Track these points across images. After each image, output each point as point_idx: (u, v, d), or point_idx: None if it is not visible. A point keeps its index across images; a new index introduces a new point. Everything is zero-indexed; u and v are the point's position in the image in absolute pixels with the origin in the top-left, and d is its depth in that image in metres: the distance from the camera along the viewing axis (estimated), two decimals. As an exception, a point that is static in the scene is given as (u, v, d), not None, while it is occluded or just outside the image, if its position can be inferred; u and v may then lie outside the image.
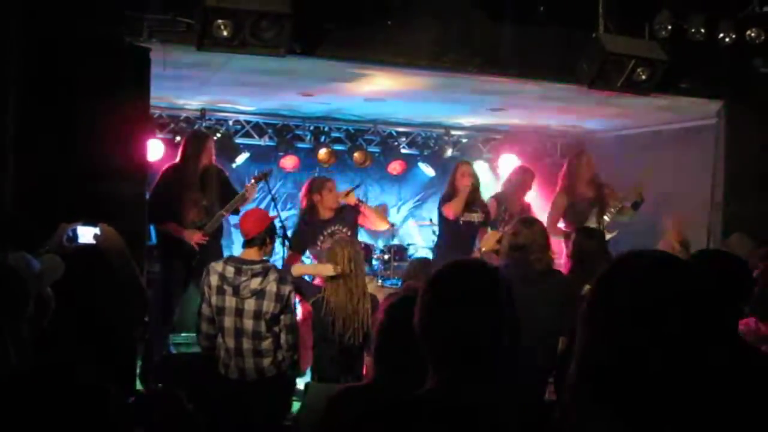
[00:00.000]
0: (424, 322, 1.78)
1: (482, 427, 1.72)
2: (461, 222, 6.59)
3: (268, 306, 4.35)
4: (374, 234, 8.89)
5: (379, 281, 7.83)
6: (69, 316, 2.82)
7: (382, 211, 8.48)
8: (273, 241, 4.64)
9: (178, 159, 6.28)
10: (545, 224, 6.25)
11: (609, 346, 1.15)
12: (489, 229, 6.59)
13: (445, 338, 1.76)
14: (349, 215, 6.22)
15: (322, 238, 6.03)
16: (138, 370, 5.32)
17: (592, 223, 6.54)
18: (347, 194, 6.24)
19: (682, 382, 1.11)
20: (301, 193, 6.33)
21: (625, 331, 1.14)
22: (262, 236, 4.51)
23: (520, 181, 7.17)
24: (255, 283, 4.34)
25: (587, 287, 1.29)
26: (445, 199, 6.69)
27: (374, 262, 8.25)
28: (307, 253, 6.29)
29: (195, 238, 5.96)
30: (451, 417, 1.70)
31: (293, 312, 4.49)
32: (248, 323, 4.36)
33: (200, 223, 6.07)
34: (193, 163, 6.21)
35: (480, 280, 1.80)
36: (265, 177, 6.36)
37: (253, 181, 6.39)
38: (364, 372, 4.61)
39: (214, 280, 4.39)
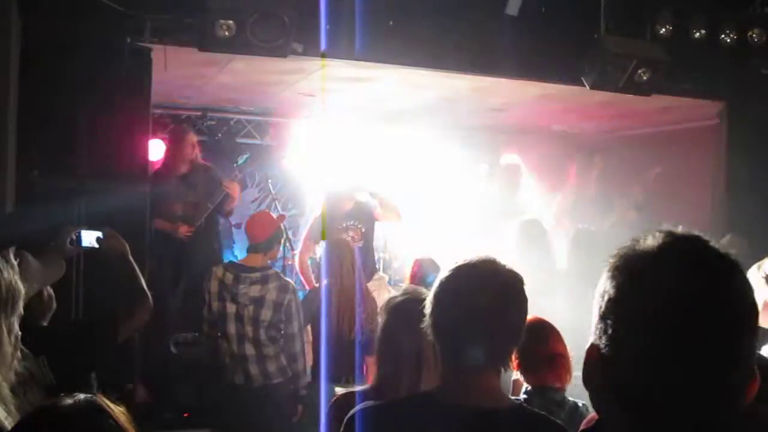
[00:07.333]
0: (436, 318, 1.78)
1: (485, 427, 1.72)
2: None
3: (266, 314, 4.27)
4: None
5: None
6: (70, 316, 2.81)
7: None
8: (279, 246, 4.59)
9: (161, 157, 6.49)
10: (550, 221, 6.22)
11: (628, 354, 1.07)
12: None
13: (455, 334, 1.75)
14: (365, 209, 6.22)
15: (337, 229, 6.06)
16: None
17: (596, 222, 6.55)
18: None
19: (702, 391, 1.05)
20: None
21: (640, 338, 1.06)
22: (268, 242, 4.45)
23: (513, 176, 7.31)
24: (254, 290, 4.27)
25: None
26: None
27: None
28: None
29: (181, 230, 6.17)
30: (456, 415, 1.70)
31: (293, 321, 4.34)
32: (249, 330, 4.28)
33: (186, 217, 6.21)
34: (174, 159, 6.40)
35: (491, 277, 1.79)
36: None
37: (234, 182, 6.60)
38: (365, 372, 4.58)
39: (213, 285, 4.35)
